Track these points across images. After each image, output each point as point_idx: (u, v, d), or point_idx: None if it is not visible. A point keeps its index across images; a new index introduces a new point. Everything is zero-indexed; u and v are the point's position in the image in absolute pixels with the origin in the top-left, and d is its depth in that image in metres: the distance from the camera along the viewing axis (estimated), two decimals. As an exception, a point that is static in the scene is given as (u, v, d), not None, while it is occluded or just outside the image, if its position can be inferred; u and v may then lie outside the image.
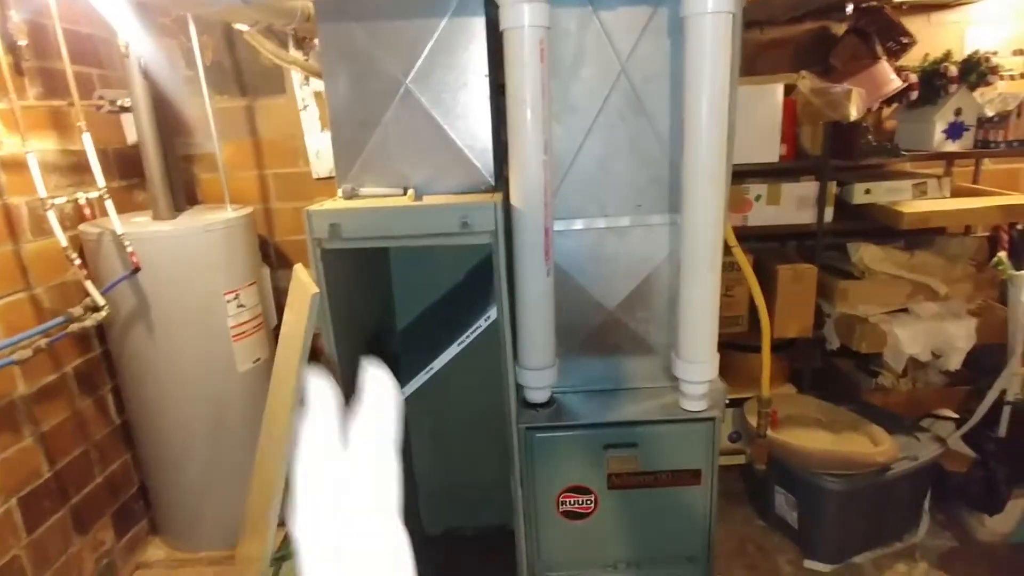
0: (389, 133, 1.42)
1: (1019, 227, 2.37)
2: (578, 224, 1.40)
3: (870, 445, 2.06)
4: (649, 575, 1.49)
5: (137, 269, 1.96)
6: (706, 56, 1.18)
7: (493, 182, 1.42)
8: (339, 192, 1.46)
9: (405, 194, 1.42)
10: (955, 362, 2.23)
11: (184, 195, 2.33)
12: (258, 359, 2.26)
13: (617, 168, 1.37)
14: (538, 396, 1.40)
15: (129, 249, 1.93)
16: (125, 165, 2.37)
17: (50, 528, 1.98)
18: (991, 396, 2.12)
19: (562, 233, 1.40)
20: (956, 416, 2.34)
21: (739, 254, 1.43)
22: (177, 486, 2.29)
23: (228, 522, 2.32)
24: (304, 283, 1.36)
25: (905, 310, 2.27)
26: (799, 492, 2.09)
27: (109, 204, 1.94)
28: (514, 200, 1.29)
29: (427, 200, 1.37)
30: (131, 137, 2.40)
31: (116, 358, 2.19)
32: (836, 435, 2.16)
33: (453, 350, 1.40)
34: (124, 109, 2.15)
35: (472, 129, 1.40)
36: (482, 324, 1.38)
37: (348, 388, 1.25)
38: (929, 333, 2.19)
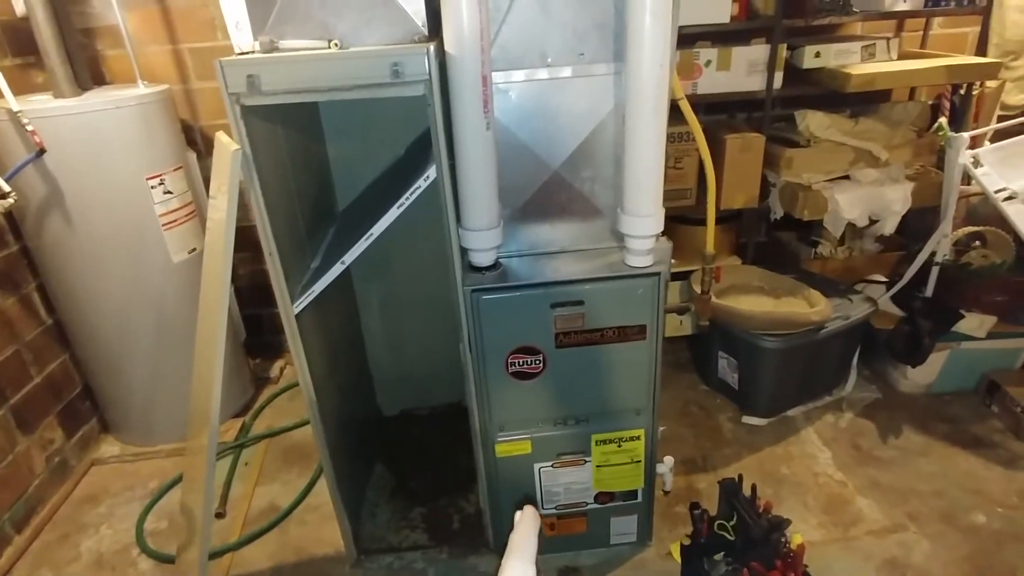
0: (307, -25, 1.27)
1: (961, 92, 2.38)
2: (519, 75, 1.31)
3: (807, 307, 2.15)
4: (597, 428, 1.55)
5: (42, 151, 1.80)
6: None
7: (427, 32, 1.31)
8: (256, 46, 1.32)
9: (329, 46, 1.30)
10: (890, 226, 2.30)
11: (89, 73, 2.10)
12: (193, 249, 2.16)
13: (558, 10, 1.27)
14: (483, 259, 1.37)
15: (30, 128, 1.75)
16: (18, 41, 2.11)
17: (-11, 427, 1.92)
18: (922, 257, 2.21)
19: (503, 86, 1.32)
20: (887, 280, 2.46)
21: (685, 106, 1.38)
22: (122, 383, 2.24)
23: (181, 415, 2.29)
24: (226, 145, 1.26)
25: (847, 177, 2.31)
26: (740, 354, 2.19)
27: (-1, 78, 1.74)
28: (448, 45, 1.19)
29: (354, 50, 1.26)
30: (20, 8, 2.12)
31: (35, 253, 2.06)
32: (776, 299, 2.24)
33: (393, 213, 1.34)
34: (2, -33, 1.88)
35: (400, -31, 1.27)
36: (421, 184, 1.32)
37: (287, 268, 1.18)
38: (868, 198, 2.24)
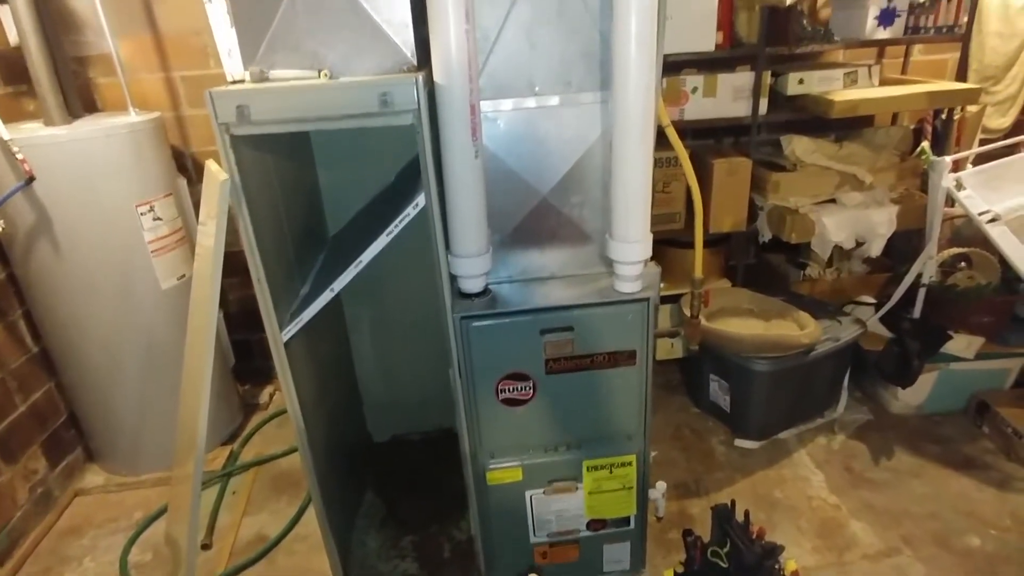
0: (297, 7, 1.28)
1: (943, 117, 2.43)
2: (507, 104, 1.33)
3: (796, 329, 2.16)
4: (589, 454, 1.54)
5: (31, 179, 1.79)
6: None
7: (416, 62, 1.33)
8: (246, 76, 1.33)
9: (319, 76, 1.31)
10: (876, 248, 2.33)
11: (81, 101, 2.12)
12: (183, 276, 2.15)
13: (545, 40, 1.29)
14: (472, 285, 1.37)
15: (19, 156, 1.75)
16: (10, 69, 2.13)
17: (-29, 458, 1.89)
18: (908, 279, 2.23)
19: (491, 114, 1.33)
20: (875, 301, 2.47)
21: (671, 133, 1.40)
22: (109, 411, 2.21)
23: (168, 444, 2.25)
24: (215, 173, 1.26)
25: (832, 200, 2.34)
26: (731, 376, 2.19)
27: (-11, 105, 1.74)
28: (437, 75, 1.20)
29: (343, 80, 1.28)
30: (13, 37, 2.13)
31: (22, 280, 2.04)
32: (766, 322, 2.25)
33: (382, 241, 1.34)
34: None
35: (390, 1, 1.29)
36: (410, 212, 1.32)
37: (275, 295, 1.18)
38: (854, 221, 2.26)
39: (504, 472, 1.54)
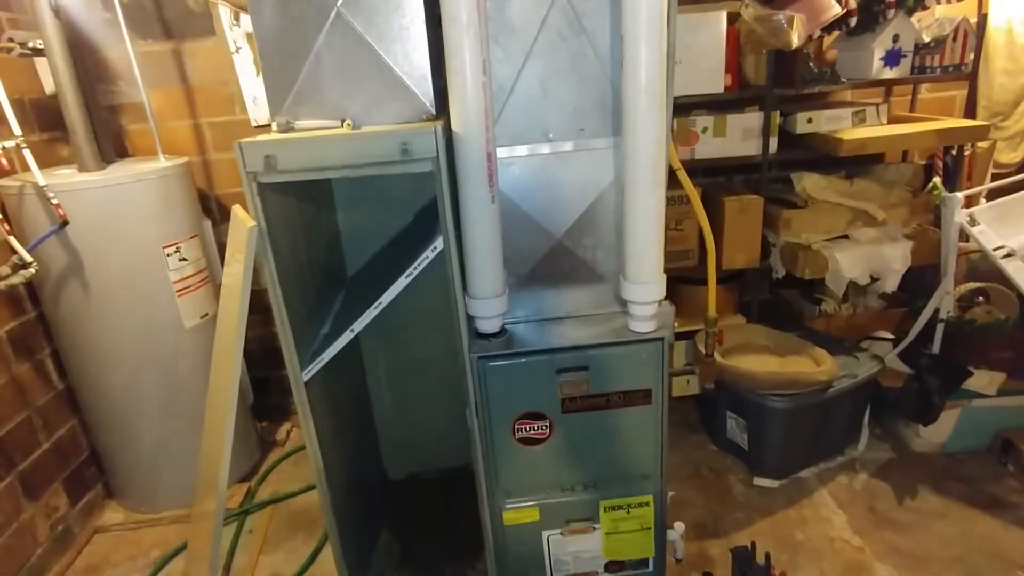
0: (322, 62, 1.35)
1: (953, 153, 2.45)
2: (522, 150, 1.38)
3: (813, 366, 2.15)
4: (605, 494, 1.53)
5: (65, 223, 1.87)
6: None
7: (434, 111, 1.38)
8: (273, 126, 1.39)
9: (342, 126, 1.37)
10: (891, 284, 2.32)
11: (112, 147, 2.21)
12: (206, 314, 2.20)
13: (558, 90, 1.34)
14: (489, 326, 1.40)
15: (54, 201, 1.83)
16: (45, 117, 2.23)
17: (-4, 495, 1.92)
18: (925, 315, 2.22)
19: (507, 160, 1.38)
20: (893, 337, 2.46)
21: (682, 176, 1.44)
22: (130, 448, 2.24)
23: (187, 481, 2.28)
24: (242, 219, 1.31)
25: (845, 236, 2.35)
26: (748, 414, 2.18)
27: (28, 154, 1.82)
28: (455, 125, 1.25)
29: (365, 129, 1.33)
30: (49, 87, 2.25)
31: (51, 319, 2.10)
32: (782, 358, 2.24)
33: (401, 283, 1.38)
34: (37, 52, 2.01)
35: (409, 55, 1.35)
36: (429, 255, 1.36)
37: (297, 336, 1.21)
38: (867, 257, 2.27)
39: (521, 512, 1.54)
